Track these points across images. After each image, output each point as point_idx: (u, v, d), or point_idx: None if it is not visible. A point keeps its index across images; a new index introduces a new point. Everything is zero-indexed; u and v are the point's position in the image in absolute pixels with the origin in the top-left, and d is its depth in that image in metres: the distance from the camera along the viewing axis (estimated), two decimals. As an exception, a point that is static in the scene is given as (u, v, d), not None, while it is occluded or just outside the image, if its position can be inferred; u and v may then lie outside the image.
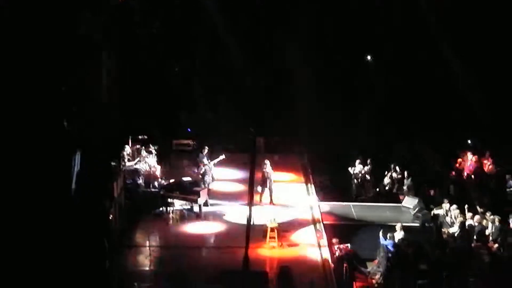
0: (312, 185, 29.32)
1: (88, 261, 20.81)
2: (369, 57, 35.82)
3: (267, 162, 27.48)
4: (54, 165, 21.99)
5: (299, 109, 34.31)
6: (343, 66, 34.80)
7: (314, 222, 26.06)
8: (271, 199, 27.36)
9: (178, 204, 26.62)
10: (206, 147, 28.71)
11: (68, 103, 23.15)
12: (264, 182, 27.19)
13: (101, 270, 21.20)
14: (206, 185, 27.07)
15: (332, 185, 30.12)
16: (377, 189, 29.08)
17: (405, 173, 29.24)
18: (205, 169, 27.65)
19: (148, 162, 27.71)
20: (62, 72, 22.68)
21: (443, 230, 25.10)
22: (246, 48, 32.90)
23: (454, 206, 25.80)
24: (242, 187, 28.34)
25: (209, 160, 27.98)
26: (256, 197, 26.54)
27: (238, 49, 34.05)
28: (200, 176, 27.45)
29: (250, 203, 21.39)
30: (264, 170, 27.16)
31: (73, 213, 22.03)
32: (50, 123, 22.26)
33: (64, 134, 22.92)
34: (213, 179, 28.25)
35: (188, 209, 26.50)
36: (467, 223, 24.41)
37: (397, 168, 29.66)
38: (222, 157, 28.27)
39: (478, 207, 26.01)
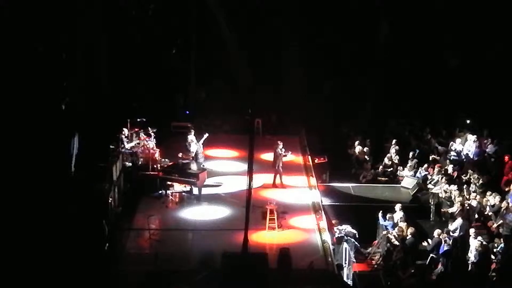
0: (311, 166, 29.26)
1: (87, 244, 20.85)
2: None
3: (280, 143, 27.54)
4: (53, 148, 22.06)
5: (297, 88, 34.29)
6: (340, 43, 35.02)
7: (314, 203, 26.06)
8: (273, 181, 27.47)
9: (177, 187, 26.57)
10: (192, 129, 28.77)
11: (66, 88, 23.21)
12: (276, 163, 27.27)
13: (100, 253, 21.24)
14: (202, 165, 27.05)
15: (330, 165, 30.06)
16: (376, 170, 29.03)
17: (411, 154, 29.26)
18: (196, 150, 27.71)
19: (147, 145, 27.65)
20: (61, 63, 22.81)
21: (442, 210, 25.20)
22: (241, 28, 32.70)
23: (453, 185, 25.87)
24: (242, 169, 28.22)
25: (197, 141, 28.02)
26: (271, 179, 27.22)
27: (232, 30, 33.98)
28: (192, 158, 27.43)
29: (249, 185, 21.36)
30: (276, 151, 27.24)
31: (72, 195, 22.09)
32: (49, 107, 22.31)
33: (63, 117, 22.95)
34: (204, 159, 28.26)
35: (187, 192, 26.45)
36: (466, 203, 24.49)
37: (395, 148, 29.75)
38: (206, 135, 28.27)
39: (476, 186, 26.07)
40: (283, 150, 27.42)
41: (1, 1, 21.83)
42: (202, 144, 28.00)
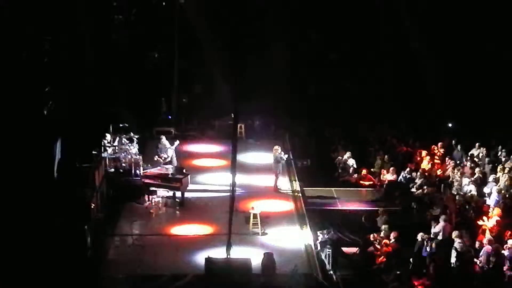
0: (294, 170, 29.28)
1: (70, 250, 20.75)
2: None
3: (278, 147, 27.77)
4: (36, 153, 21.96)
5: (279, 92, 34.35)
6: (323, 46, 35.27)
7: (297, 207, 26.07)
8: (275, 185, 27.59)
9: (161, 192, 26.51)
10: (163, 136, 29.10)
11: (49, 93, 23.14)
12: (276, 167, 27.40)
13: (83, 259, 21.14)
14: (184, 170, 27.08)
15: (314, 169, 30.09)
16: (360, 173, 29.04)
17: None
18: (171, 155, 28.20)
19: (130, 150, 27.61)
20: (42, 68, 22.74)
21: (426, 212, 25.21)
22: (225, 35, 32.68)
23: (435, 188, 26.00)
24: (225, 174, 28.17)
25: (171, 146, 28.50)
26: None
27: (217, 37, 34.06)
28: (167, 162, 27.80)
29: (233, 190, 21.32)
30: (276, 156, 27.37)
31: (55, 201, 21.99)
32: (31, 112, 22.21)
33: (45, 122, 22.86)
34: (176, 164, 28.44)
35: (170, 197, 26.38)
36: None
37: (381, 152, 29.94)
38: (177, 143, 28.77)
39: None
40: (283, 153, 27.52)
41: (1, 1, 21.71)
42: (175, 150, 28.39)
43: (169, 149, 28.25)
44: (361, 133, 33.39)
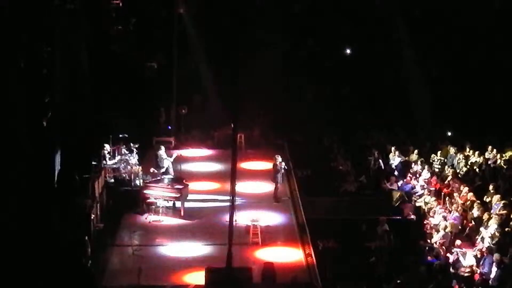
0: (294, 180, 29.27)
1: (70, 260, 20.71)
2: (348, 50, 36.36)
3: (279, 157, 27.72)
4: (36, 164, 21.92)
5: (277, 102, 34.39)
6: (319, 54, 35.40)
7: (297, 217, 26.04)
8: (275, 194, 27.61)
9: (160, 202, 26.47)
10: (162, 146, 29.03)
11: (48, 104, 23.12)
12: (276, 177, 27.32)
13: (83, 269, 21.09)
14: (184, 180, 27.09)
15: (313, 178, 30.07)
16: (359, 182, 29.03)
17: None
18: (167, 166, 27.99)
19: (129, 161, 27.63)
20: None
21: (426, 222, 25.21)
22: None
23: (433, 197, 25.99)
24: (226, 184, 28.16)
25: (168, 157, 28.34)
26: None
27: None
28: (163, 173, 27.66)
29: (233, 199, 21.32)
30: (277, 165, 27.34)
31: (55, 212, 21.95)
32: (30, 123, 22.17)
33: (44, 133, 22.83)
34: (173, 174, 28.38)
35: (170, 207, 26.36)
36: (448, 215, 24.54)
37: (380, 161, 29.91)
38: (175, 154, 28.72)
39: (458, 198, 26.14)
40: (283, 163, 27.50)
41: (1, 1, 21.66)
42: (172, 161, 28.27)
43: (165, 160, 28.15)
44: (359, 141, 33.43)
